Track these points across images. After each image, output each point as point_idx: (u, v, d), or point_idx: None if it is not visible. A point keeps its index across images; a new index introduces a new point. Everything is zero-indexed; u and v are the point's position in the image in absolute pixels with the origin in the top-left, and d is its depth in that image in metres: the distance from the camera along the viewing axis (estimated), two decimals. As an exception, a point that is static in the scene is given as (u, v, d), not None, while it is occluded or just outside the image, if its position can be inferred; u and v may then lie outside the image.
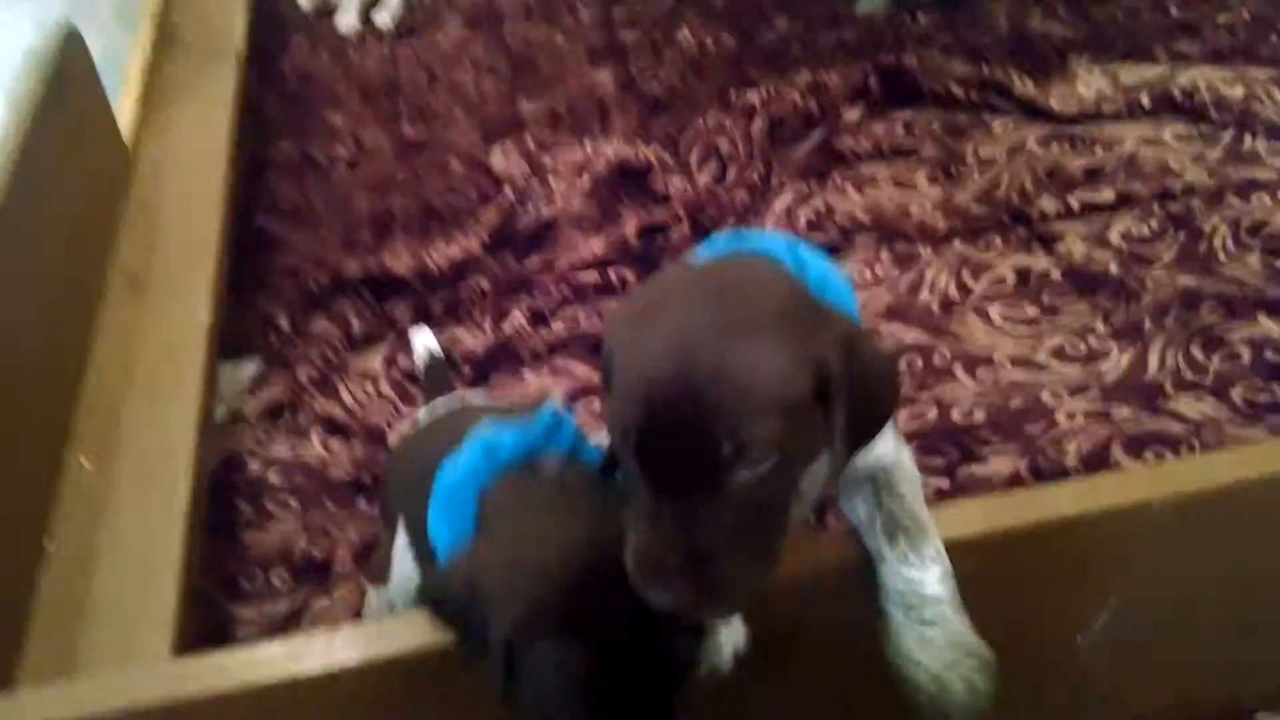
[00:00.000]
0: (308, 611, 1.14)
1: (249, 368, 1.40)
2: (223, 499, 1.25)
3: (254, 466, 1.29)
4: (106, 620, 1.03)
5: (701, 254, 0.78)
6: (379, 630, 0.73)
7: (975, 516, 0.76)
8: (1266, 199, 1.50)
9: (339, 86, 1.93)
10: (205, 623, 1.12)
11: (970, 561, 0.71)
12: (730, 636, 0.71)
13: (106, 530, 1.09)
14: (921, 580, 0.70)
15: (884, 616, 0.71)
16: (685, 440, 0.60)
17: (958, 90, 1.73)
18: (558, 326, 1.43)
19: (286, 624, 1.13)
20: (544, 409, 0.76)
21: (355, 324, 1.45)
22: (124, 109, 1.57)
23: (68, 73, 1.30)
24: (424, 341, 1.36)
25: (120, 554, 1.07)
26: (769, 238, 0.78)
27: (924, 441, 1.24)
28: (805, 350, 0.62)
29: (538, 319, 1.44)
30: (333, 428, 1.33)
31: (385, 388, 1.37)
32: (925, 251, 1.49)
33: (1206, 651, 0.93)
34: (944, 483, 1.20)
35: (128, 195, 1.45)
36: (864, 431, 0.67)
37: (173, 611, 1.03)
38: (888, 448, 0.76)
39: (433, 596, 0.72)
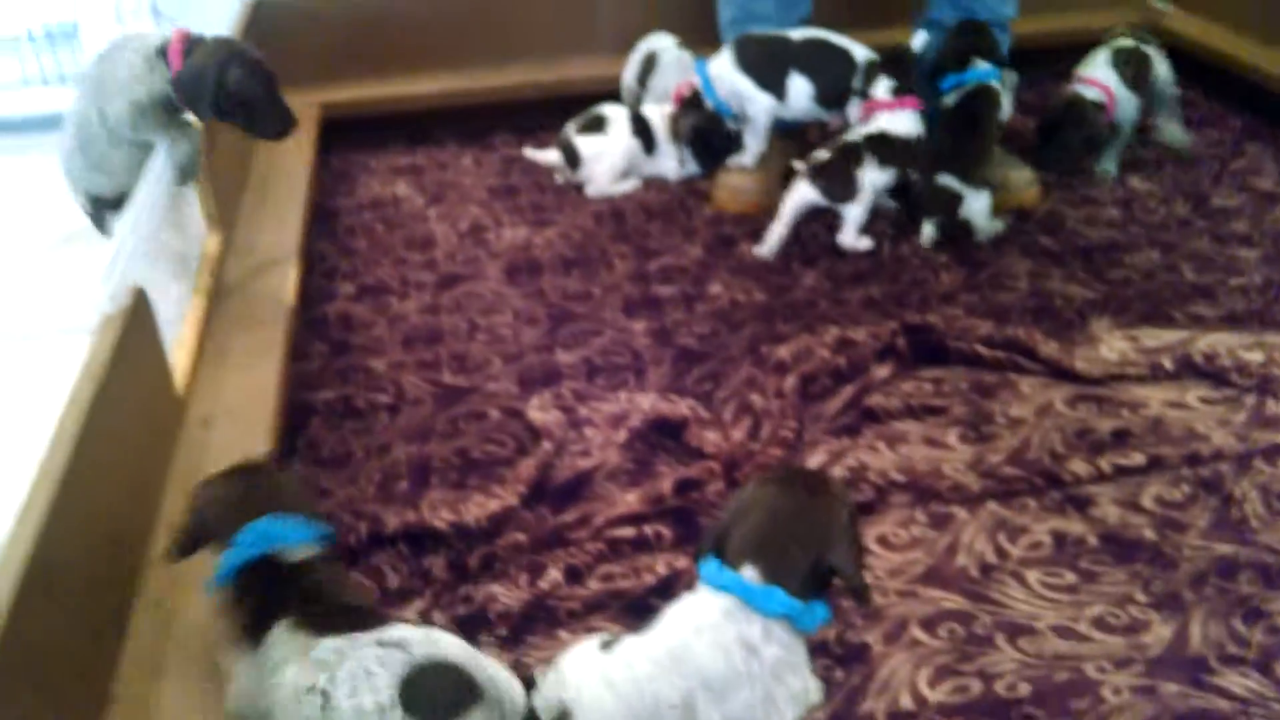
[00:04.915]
0: None
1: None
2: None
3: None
4: None
5: None
6: None
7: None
8: (1295, 465, 1.52)
9: (382, 333, 2.00)
10: None
11: None
12: None
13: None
14: None
15: None
16: None
17: (984, 350, 1.78)
18: (594, 584, 1.43)
19: None
20: None
21: (391, 578, 1.45)
22: (179, 362, 1.63)
23: (134, 334, 1.37)
24: None
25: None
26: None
27: (968, 718, 1.21)
28: None
29: (574, 576, 1.44)
30: (366, 689, 1.31)
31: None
32: (960, 513, 1.50)
33: None
34: (992, 762, 1.17)
35: (177, 448, 1.48)
36: None
37: None
38: None
39: None
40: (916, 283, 2.04)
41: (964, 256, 2.11)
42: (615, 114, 2.50)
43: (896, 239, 2.19)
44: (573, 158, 2.47)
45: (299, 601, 1.05)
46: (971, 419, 1.67)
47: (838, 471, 1.57)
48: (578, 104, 2.56)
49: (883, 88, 2.19)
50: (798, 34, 2.28)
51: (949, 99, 2.20)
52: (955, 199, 2.10)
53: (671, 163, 2.52)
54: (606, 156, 2.46)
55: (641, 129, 2.49)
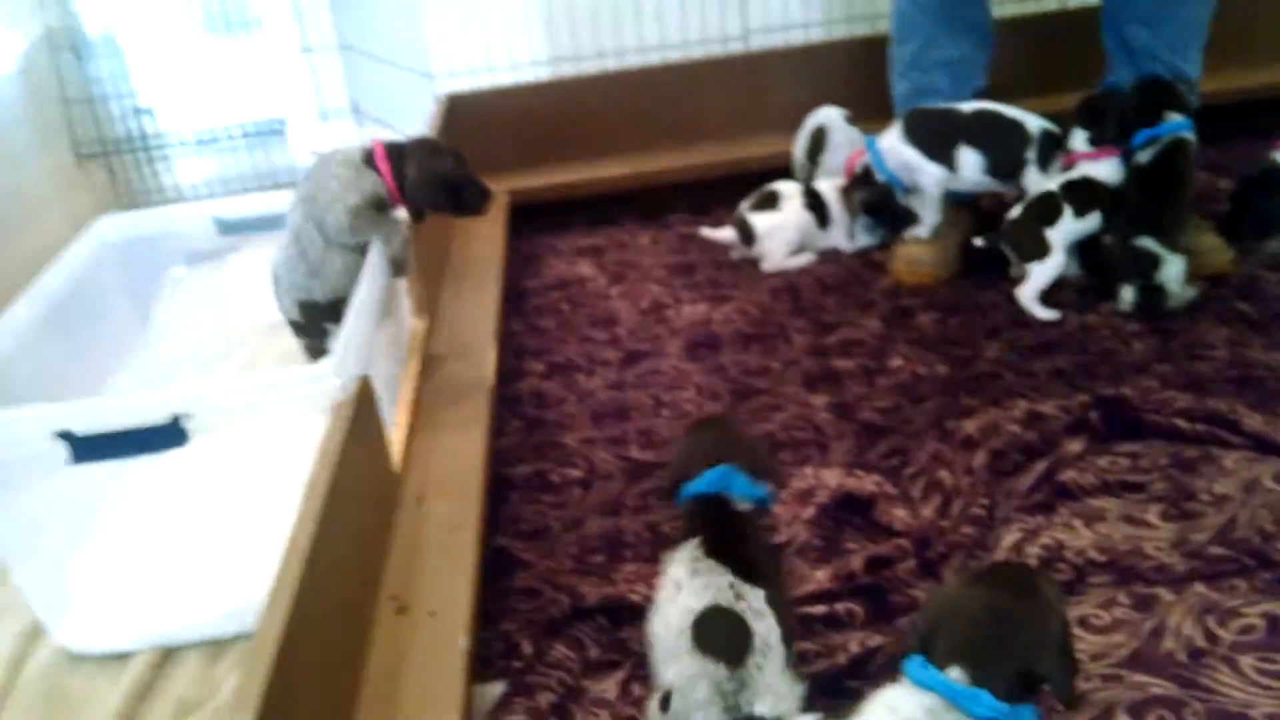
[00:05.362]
0: None
1: (493, 691, 1.47)
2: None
3: (499, 796, 1.33)
4: None
5: None
6: None
7: None
8: None
9: (572, 410, 2.09)
10: None
11: None
12: None
13: None
14: None
15: None
16: None
17: (1183, 423, 1.74)
18: (790, 661, 1.45)
19: None
20: None
21: (592, 650, 1.52)
22: (394, 439, 1.75)
23: (361, 417, 1.49)
24: None
25: None
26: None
27: (1185, 810, 1.18)
28: None
29: (769, 652, 1.47)
30: (573, 759, 1.36)
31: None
32: (1166, 594, 1.46)
33: None
34: None
35: (395, 523, 1.59)
36: None
37: None
38: None
39: None
40: (1106, 353, 2.00)
41: (1155, 325, 2.06)
42: (788, 190, 2.56)
43: (1082, 307, 2.16)
44: (748, 234, 2.54)
45: (717, 532, 1.32)
46: (1173, 496, 1.63)
47: (1033, 550, 1.56)
48: (751, 181, 2.63)
49: (1079, 139, 2.18)
50: (969, 106, 2.30)
51: (1142, 155, 2.14)
52: (1153, 261, 2.06)
53: (845, 236, 2.55)
54: (780, 232, 2.51)
55: (815, 203, 2.54)
